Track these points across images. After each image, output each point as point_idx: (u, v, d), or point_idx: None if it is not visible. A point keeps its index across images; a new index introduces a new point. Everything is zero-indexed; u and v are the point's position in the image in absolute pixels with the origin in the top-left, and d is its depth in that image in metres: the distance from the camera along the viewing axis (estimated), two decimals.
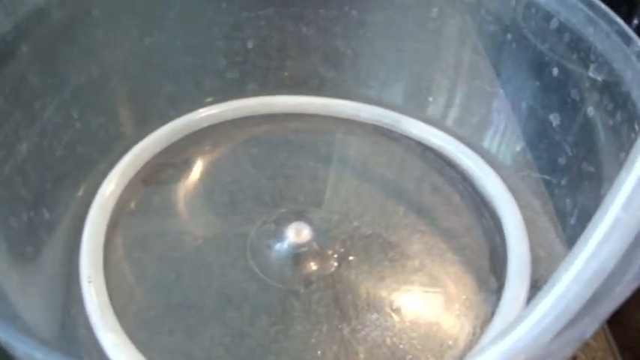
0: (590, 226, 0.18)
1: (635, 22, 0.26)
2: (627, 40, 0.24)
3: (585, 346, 0.28)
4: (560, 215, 0.30)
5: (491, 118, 0.34)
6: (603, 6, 0.25)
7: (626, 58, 0.24)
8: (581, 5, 0.26)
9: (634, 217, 0.17)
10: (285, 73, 0.37)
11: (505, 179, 0.32)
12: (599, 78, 0.26)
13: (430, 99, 0.36)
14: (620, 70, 0.24)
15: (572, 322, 0.17)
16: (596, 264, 0.17)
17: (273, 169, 0.34)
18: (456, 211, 0.32)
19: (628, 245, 0.17)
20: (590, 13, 0.26)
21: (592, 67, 0.26)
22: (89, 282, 0.28)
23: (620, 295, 0.16)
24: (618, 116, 0.25)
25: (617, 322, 0.30)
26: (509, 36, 0.31)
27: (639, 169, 0.17)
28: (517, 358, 0.18)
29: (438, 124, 0.35)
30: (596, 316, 0.17)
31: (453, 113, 0.35)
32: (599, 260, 0.17)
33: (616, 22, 0.25)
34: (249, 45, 0.36)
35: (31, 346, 0.14)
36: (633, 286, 0.16)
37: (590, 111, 0.27)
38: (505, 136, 0.33)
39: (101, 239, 0.29)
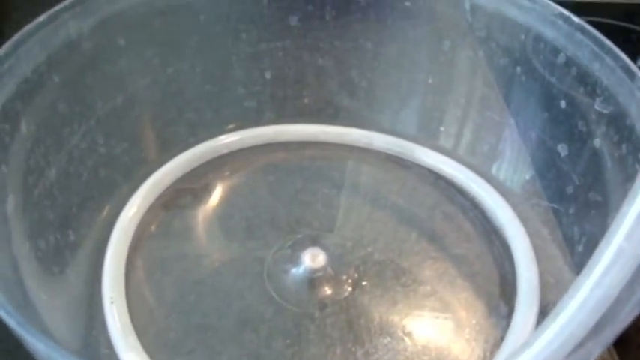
0: (594, 255, 0.18)
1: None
2: (631, 75, 0.25)
3: None
4: (569, 243, 0.31)
5: (501, 147, 0.35)
6: (608, 42, 0.26)
7: (631, 93, 0.25)
8: (587, 41, 0.27)
9: (636, 248, 0.18)
10: (302, 103, 0.38)
11: (515, 207, 0.33)
12: (605, 111, 0.27)
13: (442, 129, 0.37)
14: (625, 103, 0.25)
15: (578, 347, 0.18)
16: (600, 292, 0.18)
17: (289, 196, 0.35)
18: (467, 239, 0.33)
19: (631, 274, 0.18)
20: (596, 48, 0.27)
21: (598, 100, 0.27)
22: (111, 302, 0.29)
23: (623, 321, 0.17)
24: (624, 148, 0.26)
25: (620, 340, 0.31)
26: (518, 69, 0.32)
27: None
28: None
29: (449, 153, 0.36)
30: (600, 340, 0.17)
31: (464, 142, 0.36)
32: (603, 288, 0.18)
33: (620, 58, 0.26)
34: (267, 75, 0.37)
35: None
36: (635, 312, 0.17)
37: (597, 142, 0.28)
38: (515, 165, 0.34)
39: (123, 261, 0.30)
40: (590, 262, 0.18)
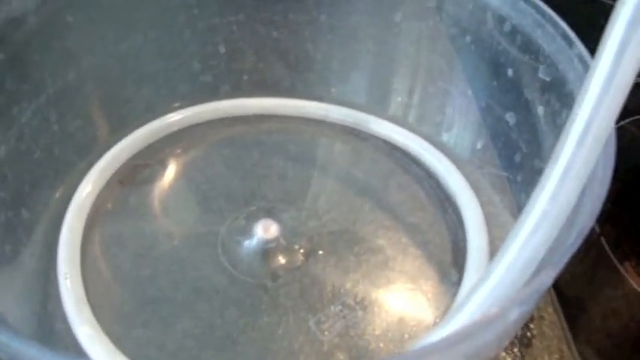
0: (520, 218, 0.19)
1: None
2: (570, 42, 0.25)
3: (541, 335, 0.30)
4: (520, 210, 0.32)
5: (454, 116, 0.35)
6: (549, 10, 0.27)
7: (569, 60, 0.25)
8: (530, 9, 0.28)
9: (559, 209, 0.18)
10: (258, 76, 0.38)
11: (467, 176, 0.33)
12: (548, 78, 0.27)
13: (397, 99, 0.37)
14: (565, 70, 0.26)
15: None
16: (526, 253, 0.19)
17: (245, 169, 0.35)
18: (421, 207, 0.34)
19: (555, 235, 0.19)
20: (538, 16, 0.27)
21: (541, 68, 0.28)
22: (66, 278, 0.29)
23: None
24: (564, 115, 0.26)
25: (572, 313, 0.32)
26: (467, 38, 0.32)
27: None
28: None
29: (403, 123, 0.36)
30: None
31: (418, 113, 0.37)
32: (529, 249, 0.19)
33: (560, 26, 0.26)
34: (222, 49, 0.37)
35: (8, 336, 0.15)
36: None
37: (540, 110, 0.28)
38: (467, 134, 0.35)
39: (78, 237, 0.31)
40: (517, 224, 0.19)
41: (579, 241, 0.18)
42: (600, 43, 0.18)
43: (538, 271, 0.18)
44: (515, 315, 0.16)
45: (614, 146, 0.19)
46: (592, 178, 0.19)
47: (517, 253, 0.19)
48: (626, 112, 0.35)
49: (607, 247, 0.35)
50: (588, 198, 0.19)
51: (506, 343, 0.28)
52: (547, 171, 0.19)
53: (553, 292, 0.31)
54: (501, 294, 0.19)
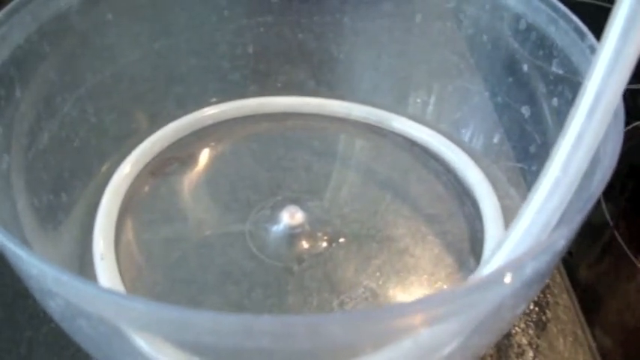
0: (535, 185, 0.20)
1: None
2: (582, 35, 0.27)
3: (556, 318, 0.31)
4: None
5: (471, 113, 0.36)
6: (562, 6, 0.28)
7: (582, 52, 0.27)
8: (544, 7, 0.29)
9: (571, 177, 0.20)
10: (283, 76, 0.40)
11: (484, 169, 0.35)
12: (561, 72, 0.29)
13: (416, 98, 0.39)
14: (578, 62, 0.27)
15: None
16: (541, 217, 0.20)
17: (271, 163, 0.37)
18: (440, 199, 0.35)
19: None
20: (552, 13, 0.29)
21: (555, 62, 0.29)
22: (102, 259, 0.30)
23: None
24: None
25: (588, 305, 0.33)
26: (484, 37, 0.34)
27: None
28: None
29: (423, 120, 0.38)
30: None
31: (436, 110, 0.38)
32: (543, 214, 0.20)
33: (573, 21, 0.27)
34: (250, 50, 0.39)
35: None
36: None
37: (555, 101, 0.29)
38: (483, 129, 0.36)
39: (113, 221, 0.32)
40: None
41: (589, 207, 0.19)
42: (608, 22, 0.19)
43: (552, 232, 0.20)
44: (529, 270, 0.17)
45: (622, 120, 0.21)
46: (602, 151, 0.21)
47: (532, 217, 0.20)
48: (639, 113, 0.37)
49: (622, 242, 0.36)
50: (599, 169, 0.20)
51: (523, 308, 0.28)
52: (559, 141, 0.20)
53: (567, 280, 0.33)
54: (518, 255, 0.20)
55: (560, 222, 0.20)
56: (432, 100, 0.38)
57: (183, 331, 0.17)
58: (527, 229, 0.20)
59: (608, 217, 0.33)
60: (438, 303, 0.17)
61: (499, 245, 0.21)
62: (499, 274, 0.17)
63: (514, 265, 0.17)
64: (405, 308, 0.17)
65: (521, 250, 0.20)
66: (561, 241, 0.18)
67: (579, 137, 0.19)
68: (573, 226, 0.19)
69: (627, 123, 0.36)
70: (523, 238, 0.20)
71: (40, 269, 0.18)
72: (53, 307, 0.21)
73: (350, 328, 0.17)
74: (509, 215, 0.33)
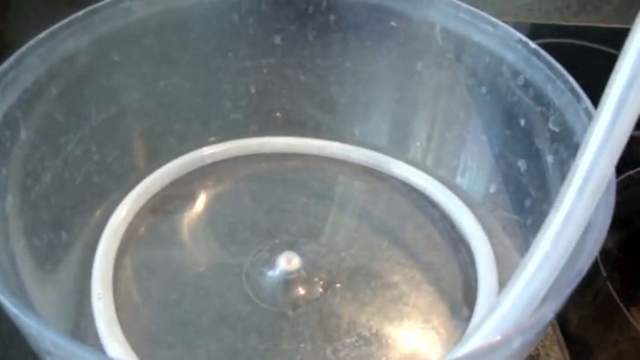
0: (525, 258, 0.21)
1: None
2: (578, 97, 0.27)
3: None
4: None
5: (469, 162, 0.37)
6: (559, 67, 0.29)
7: (577, 113, 0.27)
8: (542, 65, 0.30)
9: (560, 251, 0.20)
10: (284, 117, 0.41)
11: (480, 218, 0.35)
12: (557, 129, 0.29)
13: (416, 143, 0.39)
14: (572, 122, 0.28)
15: None
16: (530, 290, 0.21)
17: (270, 204, 0.37)
18: (435, 247, 0.35)
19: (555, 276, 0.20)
20: (549, 72, 0.29)
21: (551, 119, 0.30)
22: (99, 298, 0.31)
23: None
24: (571, 164, 0.28)
25: (579, 356, 0.33)
26: (484, 89, 0.34)
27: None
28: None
29: (421, 166, 0.38)
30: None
31: (435, 156, 0.38)
32: (532, 286, 0.21)
33: (569, 82, 0.28)
34: (253, 90, 0.40)
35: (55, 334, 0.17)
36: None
37: (550, 158, 0.30)
38: (481, 178, 0.36)
39: (112, 260, 0.33)
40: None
41: (578, 280, 0.19)
42: (601, 100, 0.20)
43: (541, 306, 0.20)
44: (518, 343, 0.18)
45: (613, 194, 0.21)
46: (593, 224, 0.21)
47: (522, 289, 0.20)
48: (634, 162, 0.37)
49: (614, 293, 0.36)
50: (589, 241, 0.21)
51: None
52: (550, 216, 0.20)
53: (559, 332, 0.33)
54: (506, 326, 0.21)
55: (549, 294, 0.20)
56: (431, 146, 0.38)
57: None
58: (516, 299, 0.21)
59: (601, 267, 0.33)
60: None
61: (490, 311, 0.21)
62: (489, 349, 0.17)
63: (503, 341, 0.17)
64: None
65: (510, 320, 0.21)
66: (550, 314, 0.19)
67: (570, 213, 0.20)
68: (561, 300, 0.19)
69: (620, 172, 0.37)
70: (512, 309, 0.21)
71: (37, 330, 0.18)
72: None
73: None
74: (502, 264, 0.33)
